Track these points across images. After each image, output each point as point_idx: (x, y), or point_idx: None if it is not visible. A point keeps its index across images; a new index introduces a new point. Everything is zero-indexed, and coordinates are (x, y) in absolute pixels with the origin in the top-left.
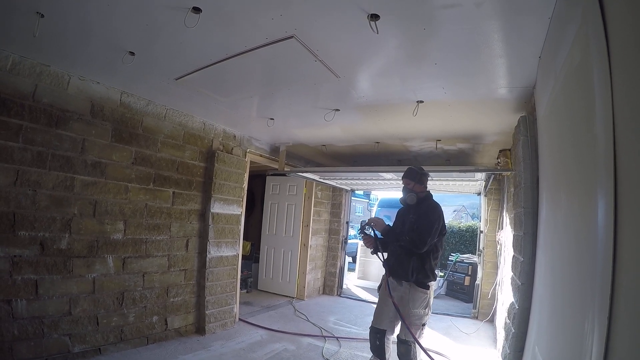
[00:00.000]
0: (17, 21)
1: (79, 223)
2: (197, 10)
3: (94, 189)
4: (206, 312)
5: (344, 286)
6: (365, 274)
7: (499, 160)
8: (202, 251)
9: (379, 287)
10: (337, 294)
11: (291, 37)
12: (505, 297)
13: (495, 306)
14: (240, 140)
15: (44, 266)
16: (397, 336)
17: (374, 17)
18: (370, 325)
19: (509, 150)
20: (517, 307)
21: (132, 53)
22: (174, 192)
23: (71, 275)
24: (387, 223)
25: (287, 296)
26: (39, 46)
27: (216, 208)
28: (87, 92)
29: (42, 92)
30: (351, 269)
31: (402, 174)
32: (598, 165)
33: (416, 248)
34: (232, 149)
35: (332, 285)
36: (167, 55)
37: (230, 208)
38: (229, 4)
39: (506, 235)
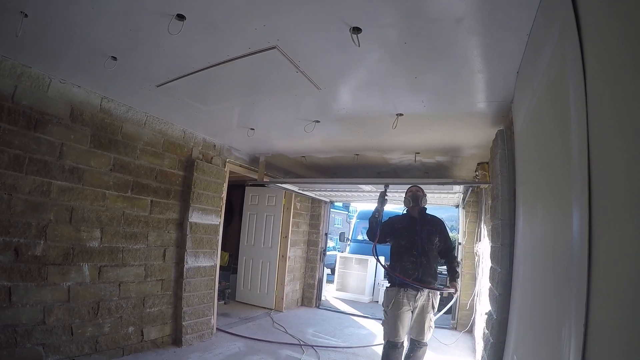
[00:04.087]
0: (0, 20)
1: (54, 229)
2: (181, 17)
3: (70, 195)
4: (183, 323)
5: (323, 298)
6: (344, 285)
7: (477, 173)
8: (180, 261)
9: (392, 302)
10: (316, 306)
11: (273, 47)
12: (483, 308)
13: (474, 317)
14: (220, 149)
15: (18, 273)
16: (415, 340)
17: (356, 30)
18: (387, 341)
19: (487, 163)
20: (495, 317)
21: (114, 58)
22: (152, 201)
23: (46, 283)
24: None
25: (265, 308)
26: (21, 47)
27: (194, 218)
28: (68, 96)
29: (22, 94)
30: (330, 281)
31: (382, 185)
32: (573, 177)
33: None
34: (212, 158)
35: (310, 296)
36: (150, 61)
37: (208, 218)
38: (213, 13)
39: (484, 247)
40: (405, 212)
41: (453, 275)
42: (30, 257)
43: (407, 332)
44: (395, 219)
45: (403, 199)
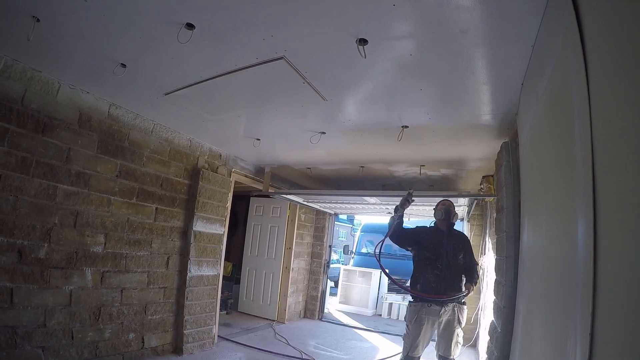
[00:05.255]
0: (13, 23)
1: (59, 233)
2: (190, 26)
3: (76, 200)
4: (184, 331)
5: (326, 310)
6: (347, 298)
7: (482, 186)
8: (183, 269)
9: (414, 318)
10: (319, 318)
11: (281, 58)
12: (487, 322)
13: (478, 331)
14: (225, 159)
15: (20, 275)
16: (443, 356)
17: (363, 41)
18: (406, 355)
19: (492, 176)
20: (500, 330)
21: (123, 65)
22: (156, 208)
23: (48, 286)
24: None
25: (267, 319)
26: (32, 51)
27: (199, 226)
28: (76, 101)
29: (31, 98)
30: (333, 294)
31: (389, 198)
32: (577, 189)
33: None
34: (217, 167)
35: (313, 309)
36: (158, 69)
37: (212, 227)
38: (222, 22)
39: (489, 260)
40: (432, 224)
41: (470, 280)
42: (34, 260)
43: (425, 347)
44: (423, 229)
45: (434, 211)
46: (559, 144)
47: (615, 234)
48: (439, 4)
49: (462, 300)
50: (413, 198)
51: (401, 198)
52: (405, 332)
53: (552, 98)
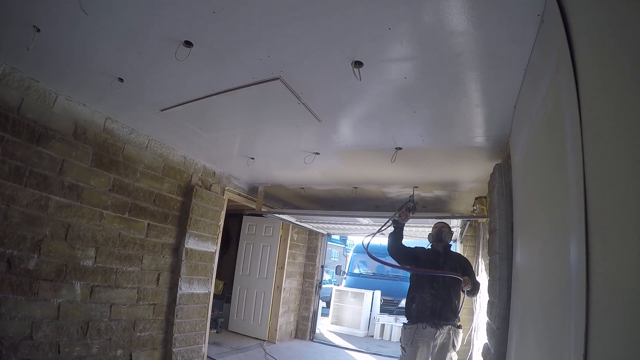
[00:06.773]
0: (13, 32)
1: (49, 245)
2: (188, 44)
3: (68, 212)
4: (173, 349)
5: (317, 331)
6: (339, 319)
7: (475, 208)
8: (173, 287)
9: (410, 341)
10: (310, 339)
11: (277, 78)
12: (481, 343)
13: (471, 352)
14: (219, 177)
15: (8, 285)
16: None
17: (358, 64)
18: None
19: (485, 197)
20: (493, 352)
21: (121, 79)
22: (149, 224)
23: (36, 297)
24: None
25: (258, 339)
26: (31, 60)
27: (190, 244)
28: (72, 113)
29: (28, 107)
30: (325, 314)
31: (380, 219)
32: (569, 210)
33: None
34: (211, 185)
35: (304, 329)
36: (155, 85)
37: (204, 245)
38: (220, 41)
39: (482, 281)
40: (430, 247)
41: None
42: (23, 270)
43: None
44: (421, 249)
45: (428, 234)
46: (552, 166)
47: (608, 255)
48: (434, 28)
49: (458, 324)
50: (412, 204)
51: (401, 209)
52: (401, 354)
53: (545, 121)
